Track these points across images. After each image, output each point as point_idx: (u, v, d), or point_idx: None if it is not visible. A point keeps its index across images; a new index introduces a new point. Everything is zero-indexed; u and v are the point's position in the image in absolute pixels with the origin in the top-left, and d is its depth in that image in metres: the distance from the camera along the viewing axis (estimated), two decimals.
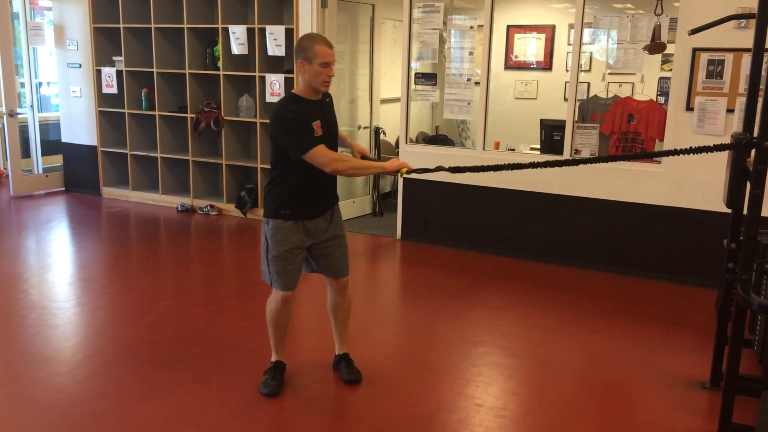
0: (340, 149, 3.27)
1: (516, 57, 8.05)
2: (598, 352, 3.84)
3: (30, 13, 7.79)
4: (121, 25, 7.00)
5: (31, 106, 7.71)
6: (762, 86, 3.01)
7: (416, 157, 5.62)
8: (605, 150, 5.56)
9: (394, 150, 7.21)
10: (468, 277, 5.13)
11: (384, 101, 7.35)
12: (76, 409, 3.10)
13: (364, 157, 3.34)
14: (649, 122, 5.45)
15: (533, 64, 7.99)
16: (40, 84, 8.44)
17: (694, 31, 3.34)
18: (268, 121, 6.39)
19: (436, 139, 7.29)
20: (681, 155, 2.84)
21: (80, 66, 7.47)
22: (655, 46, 5.06)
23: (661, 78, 6.85)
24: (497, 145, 6.21)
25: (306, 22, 6.18)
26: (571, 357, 3.79)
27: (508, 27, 7.92)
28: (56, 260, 5.46)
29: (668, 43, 5.09)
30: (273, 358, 3.35)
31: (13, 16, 7.59)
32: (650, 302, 4.67)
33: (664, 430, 3.04)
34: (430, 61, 6.08)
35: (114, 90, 7.23)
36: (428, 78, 5.95)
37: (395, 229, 6.13)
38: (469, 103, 5.74)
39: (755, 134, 2.72)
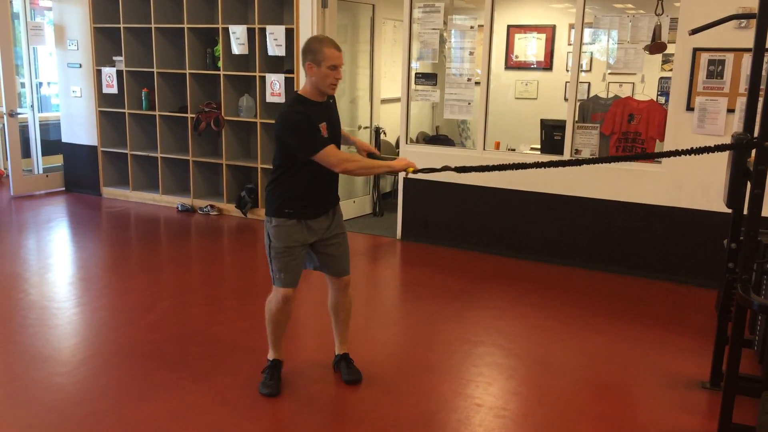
0: (343, 147, 3.28)
1: (516, 57, 8.05)
2: (598, 352, 3.84)
3: (30, 13, 7.78)
4: (122, 25, 7.01)
5: (32, 106, 7.70)
6: (762, 86, 3.01)
7: (417, 157, 5.55)
8: (606, 150, 5.56)
9: (394, 150, 7.20)
10: (468, 277, 5.13)
11: (384, 101, 7.35)
12: (76, 409, 3.10)
13: (370, 155, 3.34)
14: (649, 122, 5.45)
15: (533, 64, 7.99)
16: (41, 84, 8.44)
17: (694, 31, 3.34)
18: (268, 121, 6.53)
19: (437, 139, 7.28)
20: (681, 155, 2.84)
21: (80, 66, 7.47)
22: (656, 46, 5.06)
23: (661, 78, 6.84)
24: (497, 145, 6.21)
25: (306, 22, 6.18)
26: (571, 357, 3.79)
27: (509, 27, 7.93)
28: (56, 260, 5.46)
29: (669, 43, 5.09)
30: (270, 356, 3.35)
31: (13, 16, 7.59)
32: (650, 302, 4.66)
33: (664, 430, 3.04)
34: (430, 61, 6.08)
35: (114, 90, 7.24)
36: (428, 78, 5.95)
37: (395, 229, 6.14)
38: (469, 103, 5.74)
39: (756, 134, 2.72)
